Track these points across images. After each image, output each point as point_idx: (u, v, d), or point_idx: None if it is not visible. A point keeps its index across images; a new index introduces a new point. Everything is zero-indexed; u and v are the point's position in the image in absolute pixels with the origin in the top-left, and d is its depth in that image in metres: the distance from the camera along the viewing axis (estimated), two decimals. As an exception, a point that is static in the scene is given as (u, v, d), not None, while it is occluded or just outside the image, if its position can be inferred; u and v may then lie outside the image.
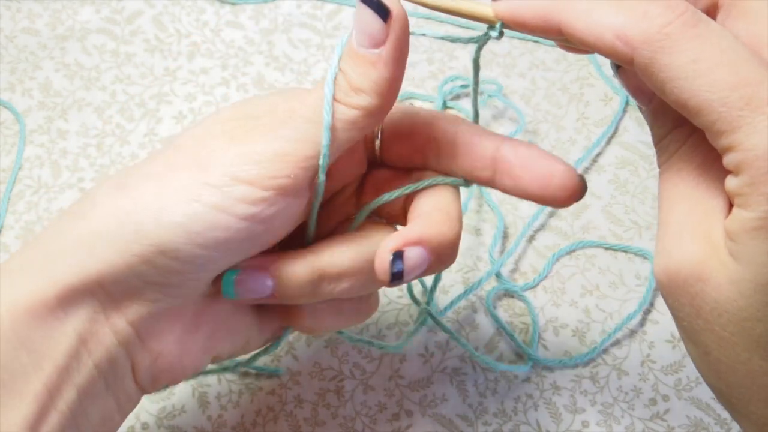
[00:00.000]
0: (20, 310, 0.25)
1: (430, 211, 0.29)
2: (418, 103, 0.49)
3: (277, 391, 0.39)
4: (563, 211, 0.45)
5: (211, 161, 0.26)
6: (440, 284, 0.43)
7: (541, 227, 0.45)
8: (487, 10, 0.27)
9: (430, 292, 0.40)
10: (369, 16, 0.25)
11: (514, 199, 0.46)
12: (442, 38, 0.30)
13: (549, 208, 0.45)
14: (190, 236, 0.25)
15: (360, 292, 0.30)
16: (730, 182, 0.22)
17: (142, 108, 0.48)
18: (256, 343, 0.32)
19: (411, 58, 0.50)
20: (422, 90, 0.49)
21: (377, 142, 0.31)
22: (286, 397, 0.39)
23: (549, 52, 0.51)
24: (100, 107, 0.48)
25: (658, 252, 0.24)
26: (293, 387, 0.40)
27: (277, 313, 0.32)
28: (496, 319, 0.41)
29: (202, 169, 0.26)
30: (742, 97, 0.21)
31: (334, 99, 0.27)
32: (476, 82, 0.31)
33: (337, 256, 0.29)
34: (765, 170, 0.21)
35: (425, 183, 0.29)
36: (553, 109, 0.49)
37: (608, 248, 0.44)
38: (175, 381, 0.30)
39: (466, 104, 0.49)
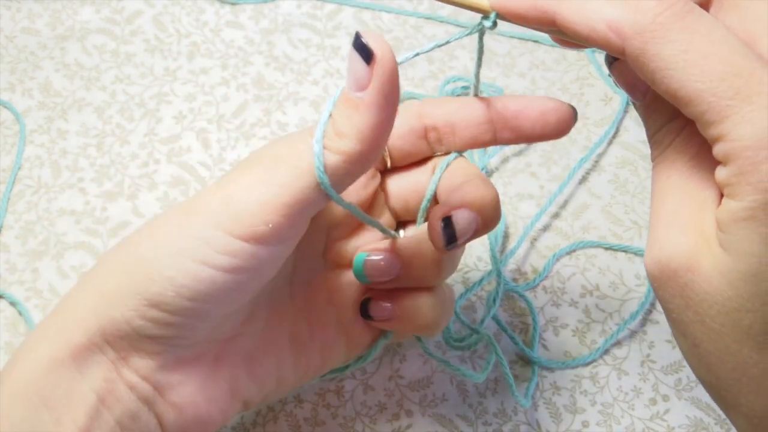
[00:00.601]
0: (39, 372, 0.26)
1: (461, 182, 0.30)
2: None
3: (277, 391, 0.39)
4: (563, 211, 0.46)
5: (198, 209, 0.27)
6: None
7: (542, 227, 0.45)
8: (479, 1, 0.27)
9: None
10: (356, 58, 0.26)
11: (514, 200, 0.46)
12: (435, 47, 0.30)
13: (549, 209, 0.45)
14: (179, 290, 0.26)
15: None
16: (720, 173, 0.22)
17: (142, 108, 0.48)
18: (290, 381, 0.32)
19: (413, 58, 0.50)
20: (422, 90, 0.49)
21: (386, 155, 0.32)
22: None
23: (549, 52, 0.51)
24: (100, 107, 0.48)
25: (649, 243, 0.24)
26: (293, 387, 0.40)
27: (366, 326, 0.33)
28: (496, 320, 0.41)
29: (189, 217, 0.27)
30: (732, 87, 0.21)
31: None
32: (479, 65, 0.31)
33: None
34: (752, 160, 0.21)
35: (448, 161, 0.32)
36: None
37: (608, 248, 0.44)
38: (207, 430, 0.29)
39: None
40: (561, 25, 0.25)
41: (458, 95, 0.49)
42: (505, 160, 0.47)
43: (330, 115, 0.26)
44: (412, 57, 0.29)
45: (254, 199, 0.26)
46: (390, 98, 0.26)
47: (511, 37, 0.52)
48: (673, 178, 0.24)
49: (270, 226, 0.26)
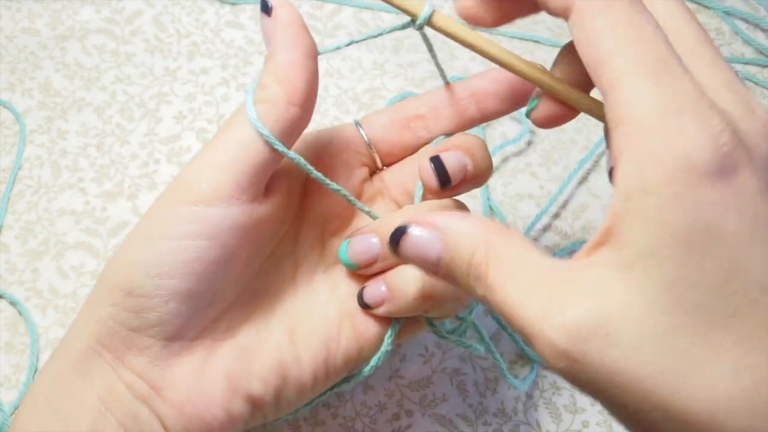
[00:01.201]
0: (48, 385, 0.29)
1: (446, 141, 0.32)
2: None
3: (277, 391, 0.39)
4: (563, 211, 0.46)
5: (159, 197, 0.29)
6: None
7: (542, 227, 0.45)
8: (414, 3, 0.29)
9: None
10: (262, 18, 0.29)
11: (514, 200, 0.46)
12: (369, 37, 0.31)
13: (550, 209, 0.45)
14: (145, 270, 0.27)
15: None
16: (620, 170, 0.22)
17: (142, 108, 0.48)
18: (300, 377, 0.31)
19: (411, 57, 0.51)
20: (422, 90, 0.49)
21: (374, 153, 0.34)
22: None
23: (549, 52, 0.52)
24: (100, 107, 0.48)
25: (539, 352, 0.22)
26: (293, 387, 0.40)
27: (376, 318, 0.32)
28: (496, 320, 0.41)
29: (152, 207, 0.29)
30: (651, 71, 0.22)
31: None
32: (433, 56, 0.33)
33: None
34: (656, 141, 0.21)
35: (437, 141, 0.33)
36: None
37: (608, 248, 0.44)
38: (214, 429, 0.29)
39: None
40: None
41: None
42: (505, 160, 0.47)
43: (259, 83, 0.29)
44: (345, 46, 0.31)
45: (197, 167, 0.28)
46: (296, 40, 0.28)
47: (512, 37, 0.52)
48: (515, 293, 0.23)
49: (208, 183, 0.28)
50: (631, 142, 0.21)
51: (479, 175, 0.31)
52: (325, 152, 0.33)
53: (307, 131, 0.31)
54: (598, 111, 0.28)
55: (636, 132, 0.21)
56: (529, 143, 0.48)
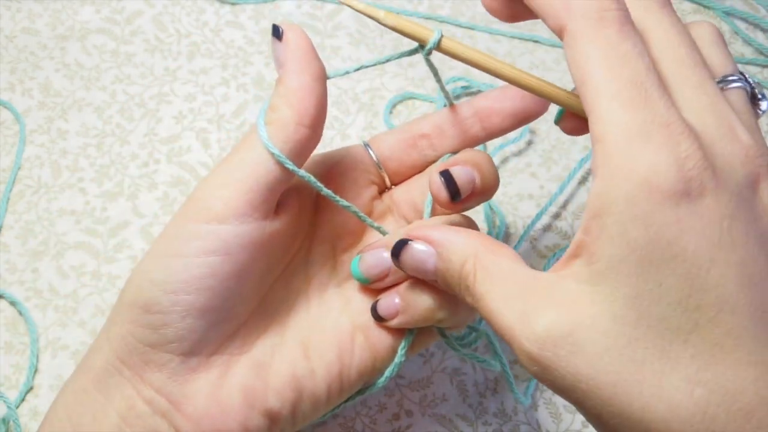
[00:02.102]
0: (70, 402, 0.29)
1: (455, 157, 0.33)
2: (418, 103, 0.49)
3: (277, 391, 0.39)
4: (563, 212, 0.46)
5: (175, 215, 0.30)
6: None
7: (542, 227, 0.45)
8: (422, 30, 0.29)
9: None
10: (273, 43, 0.29)
11: (514, 200, 0.46)
12: (378, 63, 0.32)
13: (550, 209, 0.45)
14: (161, 286, 0.28)
15: None
16: (592, 187, 0.23)
17: (142, 108, 0.48)
18: (315, 391, 0.31)
19: (411, 58, 0.51)
20: (422, 90, 0.49)
21: (383, 172, 0.35)
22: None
23: (549, 52, 0.52)
24: (100, 107, 0.48)
25: (518, 356, 0.24)
26: (293, 387, 0.40)
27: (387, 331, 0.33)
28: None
29: (167, 226, 0.30)
30: (630, 97, 0.23)
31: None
32: (438, 80, 0.33)
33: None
34: (623, 161, 0.22)
35: (444, 158, 0.34)
36: (553, 109, 0.49)
37: (608, 248, 0.44)
38: None
39: (466, 104, 0.49)
40: None
41: (458, 95, 0.49)
42: (505, 160, 0.47)
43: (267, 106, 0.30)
44: (354, 70, 0.32)
45: (210, 185, 0.29)
46: (306, 64, 0.29)
47: (512, 37, 0.52)
48: (497, 302, 0.25)
49: (221, 201, 0.28)
50: (602, 160, 0.23)
51: (487, 189, 0.33)
52: (335, 172, 0.34)
53: (316, 151, 0.32)
54: None
55: (606, 151, 0.23)
56: (529, 143, 0.48)
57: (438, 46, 0.29)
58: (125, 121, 0.48)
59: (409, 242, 0.29)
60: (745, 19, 0.53)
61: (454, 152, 0.34)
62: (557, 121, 0.30)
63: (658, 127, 0.22)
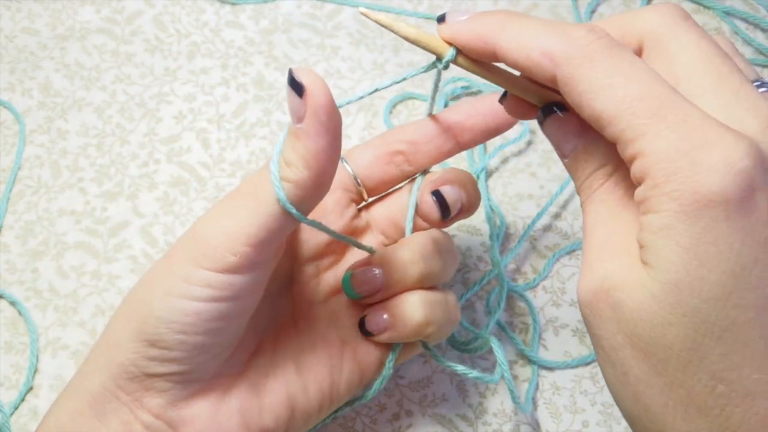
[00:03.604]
0: (65, 421, 0.29)
1: (435, 177, 0.35)
2: (418, 103, 0.49)
3: (277, 391, 0.39)
4: (563, 212, 0.46)
5: (177, 251, 0.29)
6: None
7: (542, 227, 0.45)
8: (441, 43, 0.29)
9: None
10: (291, 94, 0.27)
11: (514, 200, 0.46)
12: (393, 84, 0.32)
13: (550, 209, 0.45)
14: (170, 325, 0.28)
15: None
16: (638, 192, 0.23)
17: (142, 108, 0.48)
18: (306, 408, 0.33)
19: (411, 58, 0.51)
20: (422, 90, 0.49)
21: (361, 188, 0.35)
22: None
23: (549, 52, 0.51)
24: (100, 107, 0.48)
25: (581, 275, 0.25)
26: (293, 387, 0.40)
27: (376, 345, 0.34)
28: (497, 322, 0.41)
29: (170, 259, 0.29)
30: (649, 108, 0.23)
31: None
32: (434, 92, 0.34)
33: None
34: (665, 171, 0.22)
35: (423, 175, 0.36)
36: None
37: (608, 248, 0.44)
38: None
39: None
40: (501, 54, 0.26)
41: (458, 95, 0.49)
42: (505, 161, 0.47)
43: (281, 152, 0.28)
44: (368, 94, 0.32)
45: (220, 233, 0.28)
46: (327, 125, 0.27)
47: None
48: (602, 214, 0.26)
49: (237, 256, 0.28)
50: (645, 176, 0.23)
51: (471, 207, 0.35)
52: None
53: None
54: None
55: (648, 167, 0.23)
56: (529, 143, 0.48)
57: (454, 60, 0.29)
58: (125, 121, 0.48)
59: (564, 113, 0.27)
60: (745, 19, 0.53)
61: (429, 166, 0.36)
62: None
63: (694, 132, 0.22)
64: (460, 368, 0.35)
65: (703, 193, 0.22)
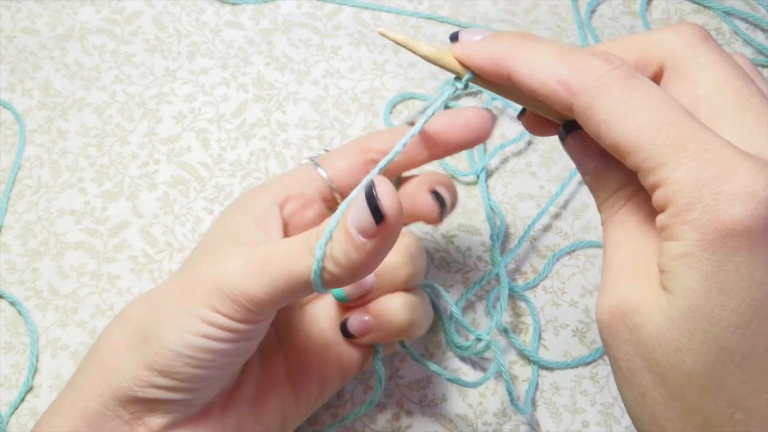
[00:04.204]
0: None
1: (423, 179, 0.36)
2: (419, 103, 0.49)
3: (277, 391, 0.39)
4: (563, 212, 0.46)
5: (194, 289, 0.29)
6: (440, 284, 0.43)
7: (542, 227, 0.45)
8: (458, 64, 0.29)
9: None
10: (365, 210, 0.26)
11: (514, 200, 0.46)
12: (422, 113, 0.33)
13: (549, 209, 0.45)
14: (186, 360, 0.28)
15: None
16: (659, 218, 0.23)
17: (142, 108, 0.48)
18: (294, 415, 0.34)
19: (411, 57, 0.51)
20: (422, 90, 0.49)
21: (337, 196, 0.35)
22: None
23: (549, 52, 0.51)
24: (100, 107, 0.48)
25: (600, 295, 0.25)
26: (293, 387, 0.40)
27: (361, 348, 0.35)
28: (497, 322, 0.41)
29: (186, 296, 0.29)
30: (668, 137, 0.23)
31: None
32: (433, 111, 0.31)
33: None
34: (687, 200, 0.22)
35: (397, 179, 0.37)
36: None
37: (608, 248, 0.44)
38: None
39: (465, 103, 0.49)
40: (515, 79, 0.26)
41: (458, 97, 0.49)
42: (505, 160, 0.47)
43: (331, 235, 0.27)
44: (424, 123, 0.30)
45: (245, 288, 0.28)
46: (389, 249, 0.28)
47: (511, 37, 0.52)
48: (623, 234, 0.26)
49: (258, 312, 0.29)
50: (667, 204, 0.23)
51: (453, 207, 0.37)
52: (296, 203, 0.35)
53: (274, 174, 0.34)
54: None
55: (670, 196, 0.23)
56: (529, 143, 0.48)
57: (473, 80, 0.29)
58: (125, 121, 0.48)
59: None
60: (745, 19, 0.53)
61: (401, 173, 0.37)
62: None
63: (715, 162, 0.22)
64: (434, 367, 0.36)
65: (724, 222, 0.22)
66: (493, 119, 0.35)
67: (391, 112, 0.49)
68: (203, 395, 0.30)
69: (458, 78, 0.29)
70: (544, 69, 0.25)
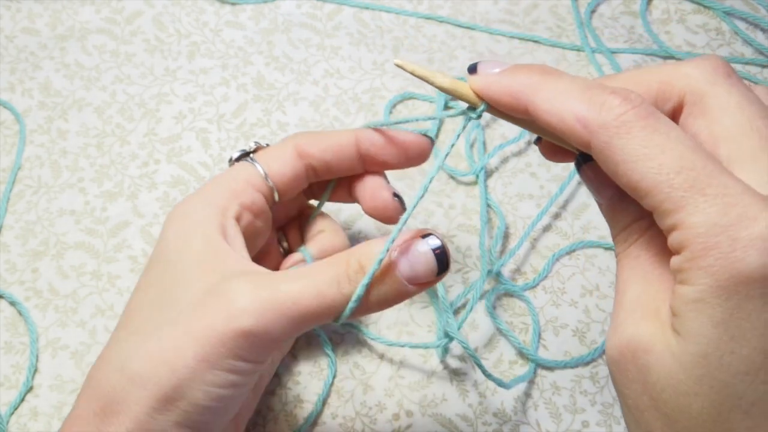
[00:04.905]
0: None
1: (376, 180, 0.36)
2: (418, 103, 0.49)
3: (277, 391, 0.39)
4: (563, 211, 0.45)
5: (210, 337, 0.28)
6: (440, 283, 0.43)
7: (542, 227, 0.45)
8: (473, 95, 0.29)
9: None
10: (430, 263, 0.28)
11: (514, 199, 0.46)
12: (427, 119, 0.32)
13: (550, 209, 0.45)
14: (215, 410, 0.29)
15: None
16: (674, 261, 0.23)
17: (142, 108, 0.48)
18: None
19: (411, 57, 0.51)
20: (422, 90, 0.49)
21: (275, 194, 0.35)
22: (286, 398, 0.39)
23: (549, 52, 0.51)
24: (100, 107, 0.48)
25: (610, 330, 0.25)
26: (293, 387, 0.40)
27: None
28: (495, 320, 0.41)
29: (209, 348, 0.28)
30: (686, 180, 0.23)
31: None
32: (452, 144, 0.31)
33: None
34: (703, 246, 0.22)
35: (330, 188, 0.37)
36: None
37: (608, 248, 0.44)
38: None
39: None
40: (533, 114, 0.26)
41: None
42: (505, 160, 0.47)
43: (370, 279, 0.28)
44: (403, 122, 0.33)
45: (272, 332, 0.28)
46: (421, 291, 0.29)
47: (512, 37, 0.52)
48: (636, 270, 0.26)
49: (277, 352, 0.30)
50: (683, 248, 0.23)
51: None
52: (249, 215, 0.34)
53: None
54: None
55: (687, 241, 0.23)
56: (529, 143, 0.48)
57: (487, 109, 0.29)
58: (125, 121, 0.48)
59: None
60: (745, 19, 0.53)
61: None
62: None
63: (733, 208, 0.22)
64: (379, 339, 0.38)
65: (740, 269, 0.22)
66: (431, 146, 0.35)
67: (391, 112, 0.49)
68: (214, 422, 0.30)
69: (471, 108, 0.29)
70: (563, 106, 0.25)
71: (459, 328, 0.39)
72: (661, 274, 0.25)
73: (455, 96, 0.29)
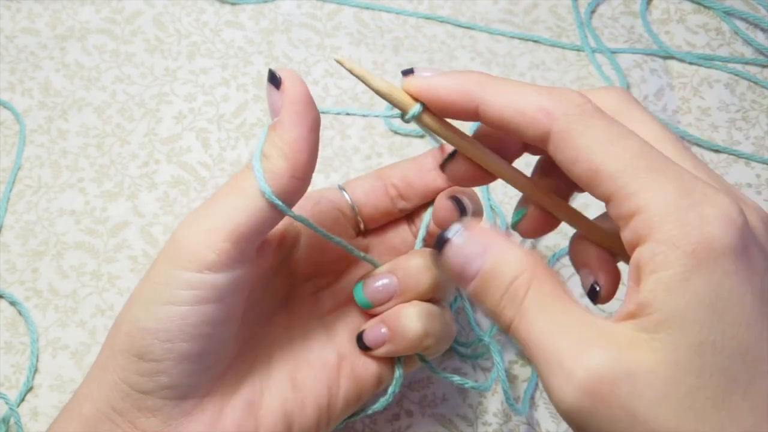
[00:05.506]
0: None
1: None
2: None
3: (277, 391, 0.39)
4: (563, 211, 0.45)
5: (158, 258, 0.29)
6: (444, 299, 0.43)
7: (541, 227, 0.45)
8: (406, 100, 0.28)
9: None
10: (270, 89, 0.29)
11: (514, 200, 0.46)
12: (365, 115, 0.33)
13: (549, 208, 0.45)
14: (155, 334, 0.28)
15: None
16: (639, 252, 0.23)
17: (142, 108, 0.48)
18: (304, 424, 0.32)
19: (411, 57, 0.51)
20: (422, 90, 0.49)
21: (359, 218, 0.35)
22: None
23: (549, 52, 0.52)
24: (100, 107, 0.48)
25: (556, 387, 0.23)
26: (293, 387, 0.40)
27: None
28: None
29: (152, 268, 0.29)
30: (648, 165, 0.23)
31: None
32: (435, 140, 0.32)
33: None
34: (676, 224, 0.22)
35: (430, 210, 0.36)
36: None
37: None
38: None
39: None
40: (486, 108, 0.26)
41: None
42: (505, 160, 0.47)
43: (262, 150, 0.29)
44: (345, 114, 0.33)
45: (199, 231, 0.28)
46: (303, 116, 0.29)
47: (512, 37, 0.52)
48: (547, 318, 0.24)
49: (217, 253, 0.28)
50: (651, 227, 0.23)
51: (480, 215, 0.35)
52: (315, 211, 0.34)
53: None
54: (576, 221, 0.32)
55: (653, 219, 0.23)
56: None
57: (418, 118, 0.28)
58: (125, 121, 0.48)
59: (453, 238, 0.27)
60: (745, 19, 0.53)
61: (423, 201, 0.35)
62: (515, 224, 0.32)
63: (698, 190, 0.23)
64: (456, 379, 0.35)
65: (714, 245, 0.22)
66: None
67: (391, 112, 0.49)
68: (187, 381, 0.29)
69: (403, 114, 0.28)
70: (522, 98, 0.26)
71: (491, 333, 0.39)
72: (574, 307, 0.24)
73: (388, 100, 0.28)
